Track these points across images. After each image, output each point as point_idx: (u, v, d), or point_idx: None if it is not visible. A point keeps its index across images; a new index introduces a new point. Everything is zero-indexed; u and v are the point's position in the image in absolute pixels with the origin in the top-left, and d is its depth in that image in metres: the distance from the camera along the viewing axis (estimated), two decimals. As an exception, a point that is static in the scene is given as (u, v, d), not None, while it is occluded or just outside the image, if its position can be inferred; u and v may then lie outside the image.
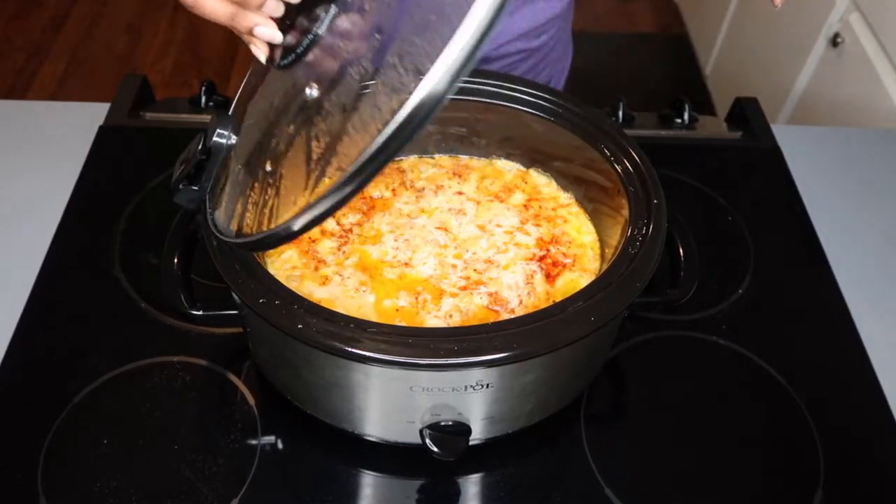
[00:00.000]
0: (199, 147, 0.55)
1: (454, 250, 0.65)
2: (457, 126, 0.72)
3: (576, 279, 0.64)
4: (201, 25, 2.45)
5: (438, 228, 0.67)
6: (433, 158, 0.74)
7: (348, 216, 0.68)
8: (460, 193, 0.71)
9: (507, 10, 0.35)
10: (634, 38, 2.50)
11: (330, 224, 0.67)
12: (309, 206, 0.43)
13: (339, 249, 0.65)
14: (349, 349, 0.49)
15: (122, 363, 0.67)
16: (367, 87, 0.45)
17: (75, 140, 0.87)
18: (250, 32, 0.54)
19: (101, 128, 0.89)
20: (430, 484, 0.62)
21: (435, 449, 0.57)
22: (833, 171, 0.92)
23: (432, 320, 0.60)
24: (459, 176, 0.72)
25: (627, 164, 0.63)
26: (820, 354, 0.73)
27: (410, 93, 0.37)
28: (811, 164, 0.92)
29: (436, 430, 0.57)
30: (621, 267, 0.55)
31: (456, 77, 0.36)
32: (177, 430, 0.63)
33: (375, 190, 0.70)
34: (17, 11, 2.46)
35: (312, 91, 0.50)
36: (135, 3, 2.53)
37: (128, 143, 0.89)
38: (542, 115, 0.67)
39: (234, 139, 0.55)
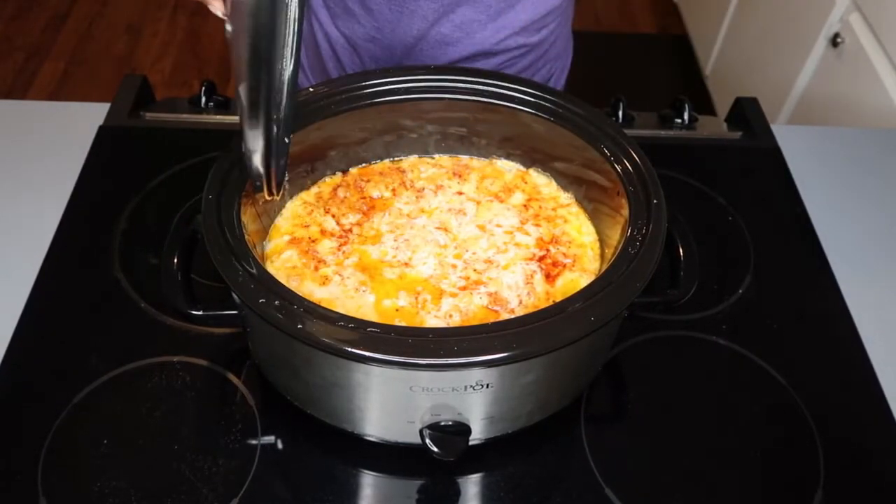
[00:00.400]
0: None
1: (454, 250, 0.65)
2: (457, 126, 0.72)
3: (576, 279, 0.64)
4: (201, 25, 2.45)
5: (438, 228, 0.67)
6: (433, 158, 0.74)
7: (348, 216, 0.68)
8: (460, 193, 0.71)
9: None
10: (634, 38, 2.50)
11: (330, 224, 0.67)
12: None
13: (338, 249, 0.65)
14: (349, 349, 0.49)
15: (122, 363, 0.67)
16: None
17: (75, 140, 0.87)
18: None
19: (101, 128, 0.89)
20: (430, 484, 0.62)
21: (435, 449, 0.57)
22: (833, 171, 0.92)
23: (432, 320, 0.60)
24: (459, 176, 0.72)
25: (627, 164, 0.63)
26: (820, 354, 0.73)
27: None
28: (811, 164, 0.92)
29: (436, 430, 0.57)
30: (621, 267, 0.55)
31: None
32: (177, 430, 0.63)
33: (375, 190, 0.70)
34: (17, 11, 2.46)
35: (228, 27, 0.51)
36: (135, 3, 2.53)
37: (128, 143, 0.89)
38: (542, 115, 0.67)
39: None
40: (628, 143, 0.64)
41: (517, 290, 0.62)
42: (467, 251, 0.65)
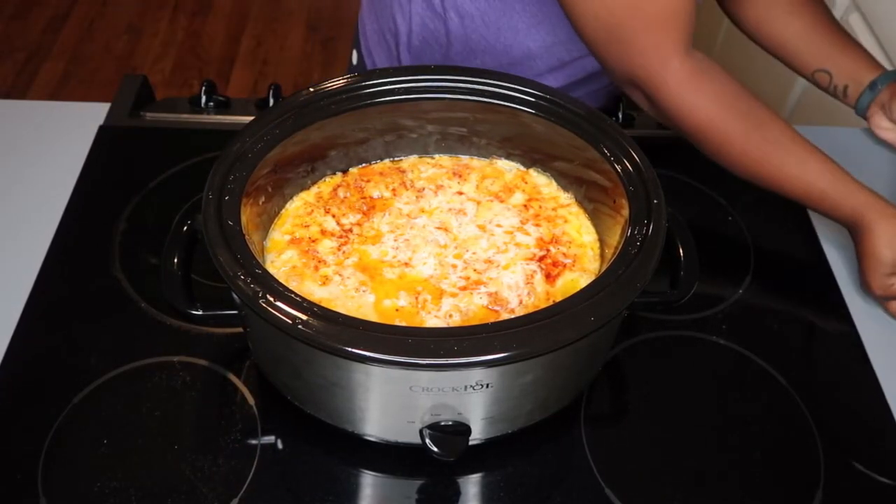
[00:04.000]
0: None
1: (454, 250, 0.65)
2: (457, 126, 0.72)
3: (576, 279, 0.64)
4: (201, 25, 2.45)
5: (438, 228, 0.67)
6: (433, 158, 0.74)
7: (348, 216, 0.68)
8: (460, 193, 0.71)
9: None
10: (634, 38, 2.49)
11: (330, 224, 0.67)
12: None
13: (339, 249, 0.65)
14: (349, 349, 0.49)
15: (122, 363, 0.67)
16: None
17: (75, 140, 0.87)
18: None
19: (101, 128, 0.89)
20: (430, 484, 0.62)
21: (435, 449, 0.57)
22: (833, 171, 0.92)
23: (432, 320, 0.60)
24: (459, 176, 0.72)
25: (627, 164, 0.63)
26: (819, 354, 0.73)
27: None
28: (811, 164, 0.92)
29: (436, 429, 0.57)
30: (621, 267, 0.55)
31: None
32: (177, 430, 0.63)
33: (375, 190, 0.70)
34: (17, 11, 2.46)
35: None
36: (135, 3, 2.52)
37: (128, 143, 0.89)
38: (542, 115, 0.67)
39: None
40: (628, 143, 0.64)
41: (517, 290, 0.62)
42: (467, 251, 0.65)
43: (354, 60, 1.02)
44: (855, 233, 0.74)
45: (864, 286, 0.75)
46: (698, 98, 0.70)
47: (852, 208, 0.72)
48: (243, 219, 0.57)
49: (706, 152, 0.74)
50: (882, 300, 0.75)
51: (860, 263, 0.74)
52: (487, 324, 0.52)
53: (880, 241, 0.71)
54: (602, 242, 0.67)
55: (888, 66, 0.87)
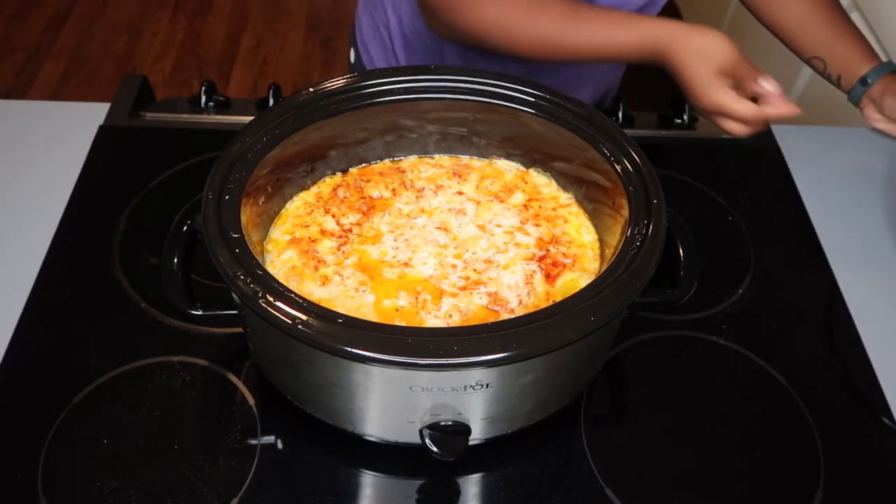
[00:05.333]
0: None
1: (454, 250, 0.65)
2: (457, 126, 0.72)
3: (576, 279, 0.64)
4: (201, 25, 2.45)
5: (438, 228, 0.67)
6: (433, 158, 0.74)
7: (348, 216, 0.68)
8: (460, 193, 0.71)
9: None
10: (634, 38, 2.49)
11: (330, 224, 0.67)
12: None
13: (338, 249, 0.65)
14: (349, 349, 0.49)
15: (122, 363, 0.67)
16: None
17: (75, 140, 0.87)
18: None
19: (101, 128, 0.89)
20: (430, 484, 0.62)
21: (434, 449, 0.57)
22: (833, 171, 0.92)
23: (432, 320, 0.60)
24: (459, 176, 0.72)
25: (627, 164, 0.63)
26: (820, 354, 0.73)
27: None
28: (811, 164, 0.92)
29: (435, 429, 0.57)
30: (621, 267, 0.55)
31: None
32: (177, 430, 0.63)
33: (375, 190, 0.70)
34: (17, 11, 2.46)
35: None
36: (135, 3, 2.52)
37: (128, 143, 0.89)
38: (542, 115, 0.67)
39: None
40: (628, 143, 0.64)
41: (517, 290, 0.62)
42: (467, 251, 0.65)
43: (352, 58, 1.03)
44: (666, 64, 0.73)
45: (696, 107, 0.74)
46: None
47: (650, 45, 0.73)
48: (243, 219, 0.57)
49: (497, 48, 0.75)
50: (715, 117, 0.74)
51: (683, 88, 0.74)
52: (487, 324, 0.52)
53: (686, 58, 0.71)
54: (602, 242, 0.67)
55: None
